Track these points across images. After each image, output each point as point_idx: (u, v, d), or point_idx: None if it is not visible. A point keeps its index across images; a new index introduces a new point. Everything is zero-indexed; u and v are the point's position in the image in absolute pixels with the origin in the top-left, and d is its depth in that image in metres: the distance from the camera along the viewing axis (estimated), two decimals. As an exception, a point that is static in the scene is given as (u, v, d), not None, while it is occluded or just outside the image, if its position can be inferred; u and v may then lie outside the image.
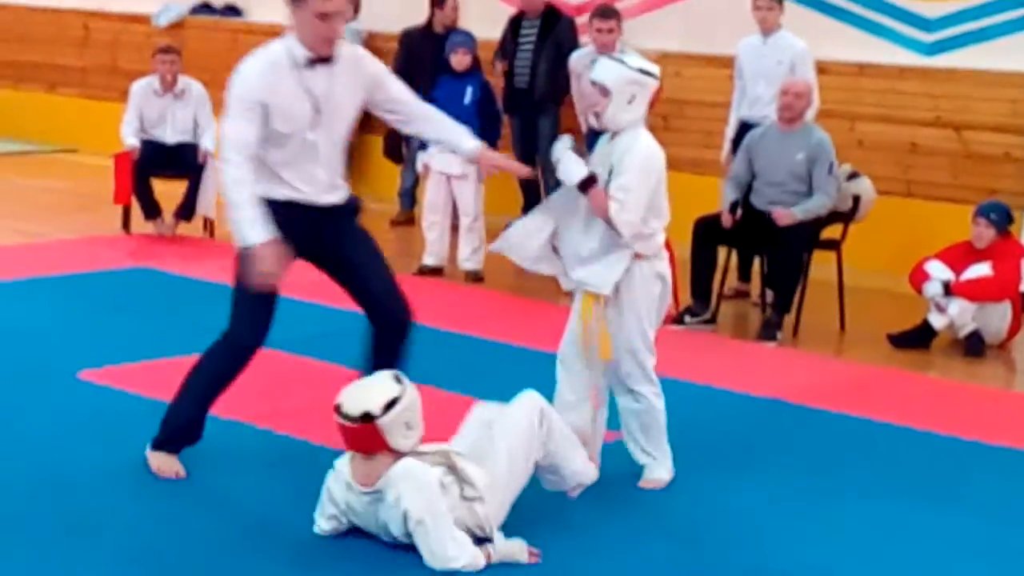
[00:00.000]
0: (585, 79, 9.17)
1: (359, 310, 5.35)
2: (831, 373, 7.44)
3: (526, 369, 7.09)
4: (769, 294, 8.34)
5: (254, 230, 4.86)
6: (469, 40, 9.42)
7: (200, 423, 5.29)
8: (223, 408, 5.98)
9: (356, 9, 12.09)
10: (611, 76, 5.21)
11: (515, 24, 10.87)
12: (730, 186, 8.34)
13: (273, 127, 4.99)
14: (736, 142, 8.85)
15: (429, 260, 9.22)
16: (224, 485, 5.17)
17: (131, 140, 10.03)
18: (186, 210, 10.09)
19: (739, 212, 8.25)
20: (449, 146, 5.57)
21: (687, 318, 8.23)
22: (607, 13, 9.25)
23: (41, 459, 5.32)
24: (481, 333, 7.75)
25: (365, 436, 4.50)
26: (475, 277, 9.17)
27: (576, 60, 9.41)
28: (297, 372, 6.72)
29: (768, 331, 8.03)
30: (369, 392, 4.57)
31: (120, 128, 10.12)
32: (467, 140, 5.41)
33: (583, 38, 10.49)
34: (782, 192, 8.12)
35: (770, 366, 7.52)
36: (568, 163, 5.21)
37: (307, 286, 8.40)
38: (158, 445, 5.24)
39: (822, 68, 9.31)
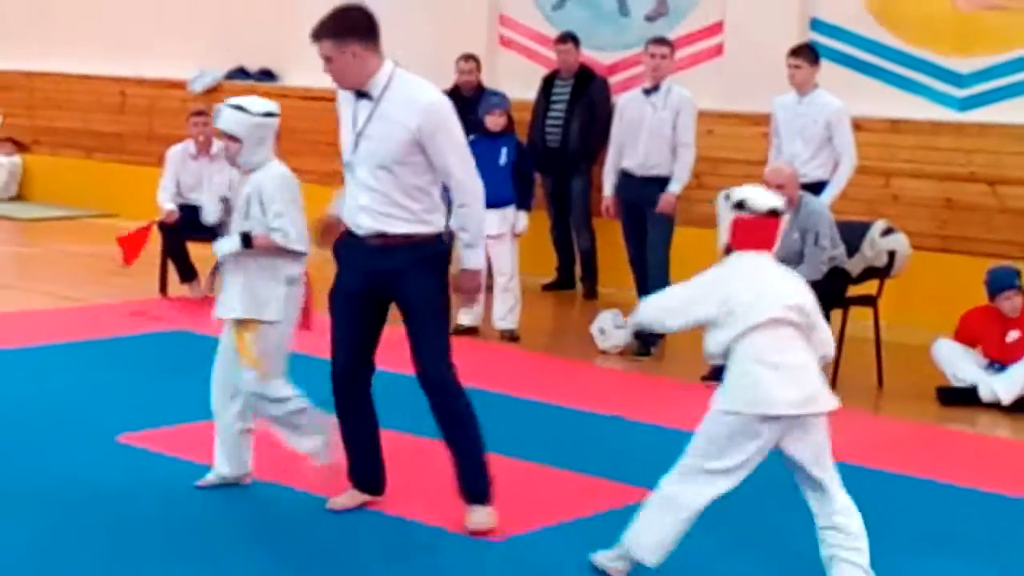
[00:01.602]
0: (628, 118, 9.24)
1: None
2: (870, 429, 7.39)
3: (561, 427, 7.11)
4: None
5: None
6: (504, 101, 9.47)
7: (361, 464, 5.58)
8: (278, 474, 6.00)
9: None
10: None
11: (547, 84, 10.95)
12: None
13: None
14: None
15: (464, 320, 9.23)
16: (273, 549, 5.17)
17: (168, 205, 10.11)
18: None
19: None
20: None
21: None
22: (660, 40, 9.30)
23: (81, 521, 5.33)
24: (516, 392, 7.74)
25: (767, 229, 4.88)
26: (510, 336, 9.18)
27: (625, 99, 9.46)
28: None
29: (805, 388, 7.98)
30: (767, 194, 5.01)
31: (158, 193, 10.21)
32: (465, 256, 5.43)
33: (616, 97, 10.56)
34: (792, 269, 8.06)
35: (808, 423, 7.46)
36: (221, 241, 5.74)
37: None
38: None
39: (856, 124, 9.30)
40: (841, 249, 8.19)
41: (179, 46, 14.10)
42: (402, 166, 5.27)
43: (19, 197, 15.21)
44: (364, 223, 5.33)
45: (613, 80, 11.15)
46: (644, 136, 9.13)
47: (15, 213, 14.29)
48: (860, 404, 7.96)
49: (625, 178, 9.22)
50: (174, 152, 10.30)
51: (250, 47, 13.78)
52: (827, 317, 8.00)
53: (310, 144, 13.21)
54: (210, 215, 6.21)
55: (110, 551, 5.04)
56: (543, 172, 10.61)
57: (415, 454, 6.16)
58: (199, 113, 10.36)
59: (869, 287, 8.51)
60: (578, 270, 11.14)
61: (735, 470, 4.69)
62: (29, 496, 5.58)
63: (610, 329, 8.93)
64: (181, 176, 10.21)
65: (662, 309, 4.92)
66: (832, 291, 8.18)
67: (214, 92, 13.81)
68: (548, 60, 11.32)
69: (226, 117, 5.70)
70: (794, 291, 4.87)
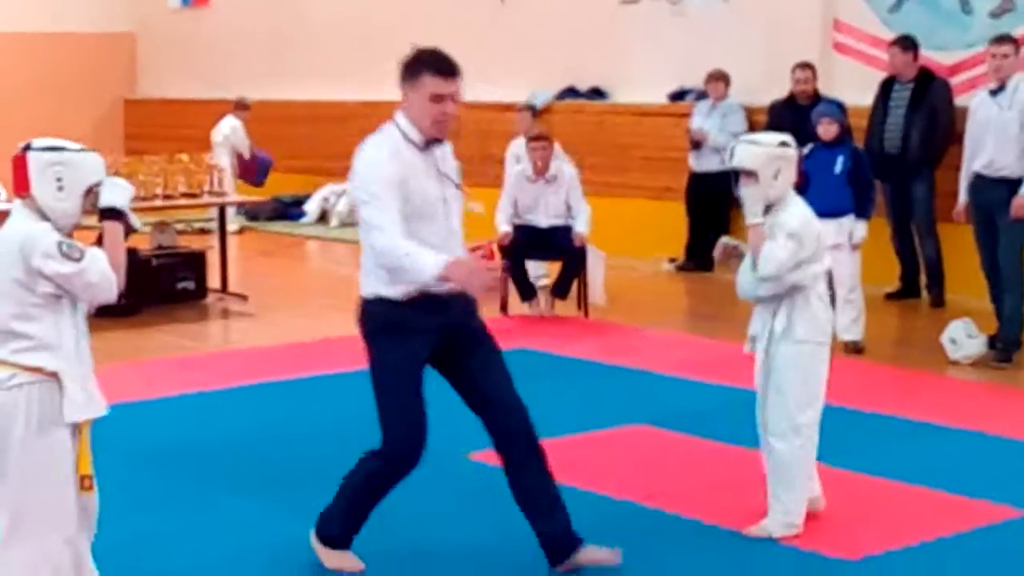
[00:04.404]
0: (977, 119, 8.90)
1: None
2: None
3: (913, 442, 6.88)
4: None
5: (431, 258, 4.70)
6: (834, 109, 9.25)
7: (351, 536, 5.12)
8: (610, 487, 6.02)
9: (728, 82, 12.09)
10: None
11: (886, 88, 10.65)
12: None
13: (414, 210, 4.82)
14: None
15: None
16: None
17: (504, 227, 10.31)
18: (561, 288, 10.31)
19: None
20: None
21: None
22: (1003, 38, 8.93)
23: (431, 537, 5.49)
24: (863, 406, 7.53)
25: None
26: (855, 348, 8.94)
27: (976, 100, 9.12)
28: (683, 450, 6.69)
29: None
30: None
31: (495, 214, 10.44)
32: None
33: (959, 98, 10.20)
34: None
35: None
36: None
37: (691, 364, 8.43)
38: (328, 541, 5.12)
39: None
40: None
41: (512, 69, 14.39)
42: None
43: (362, 222, 15.82)
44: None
45: (956, 80, 10.73)
46: (991, 137, 8.77)
47: (356, 236, 14.83)
48: None
49: (977, 180, 8.87)
50: (512, 174, 10.50)
51: (580, 66, 13.93)
52: None
53: (640, 160, 13.27)
54: None
55: (457, 565, 5.16)
56: (882, 179, 10.28)
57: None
58: (537, 138, 10.52)
59: None
60: (923, 278, 10.77)
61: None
62: (381, 509, 5.75)
63: (962, 339, 8.59)
64: (519, 197, 10.39)
65: (779, 262, 5.31)
66: None
67: (546, 112, 14.04)
68: (885, 64, 10.98)
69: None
70: None
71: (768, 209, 5.43)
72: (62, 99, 18.11)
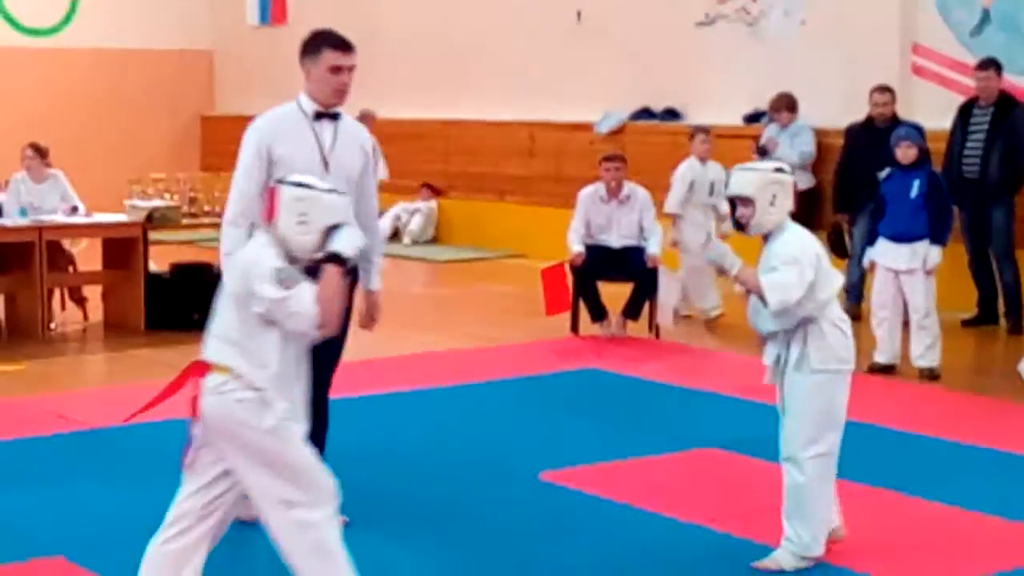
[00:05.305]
0: None
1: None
2: None
3: (989, 471, 6.76)
4: None
5: None
6: (914, 132, 9.15)
7: None
8: (677, 510, 5.98)
9: (793, 108, 11.99)
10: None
11: (964, 113, 10.53)
12: None
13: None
14: None
15: (880, 358, 8.95)
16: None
17: (576, 247, 10.28)
18: (632, 310, 10.26)
19: None
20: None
21: None
22: None
23: (505, 559, 5.45)
24: (939, 433, 7.42)
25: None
26: (930, 375, 8.83)
27: None
28: (752, 474, 6.63)
29: None
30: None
31: (567, 235, 10.42)
32: (372, 278, 5.78)
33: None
34: None
35: None
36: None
37: (762, 386, 8.33)
38: None
39: None
40: None
41: (587, 89, 14.39)
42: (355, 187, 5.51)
43: (435, 240, 15.92)
44: None
45: (1038, 106, 10.60)
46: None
47: (432, 256, 14.96)
48: None
49: None
50: (585, 195, 10.47)
51: (656, 87, 13.90)
52: None
53: (715, 182, 13.18)
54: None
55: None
56: (959, 205, 10.17)
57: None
58: (611, 158, 10.50)
59: None
60: (1001, 305, 10.62)
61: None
62: (453, 531, 5.76)
63: (1040, 367, 8.45)
64: (592, 218, 10.37)
65: (787, 287, 5.10)
66: None
67: (619, 133, 14.02)
68: (964, 88, 10.89)
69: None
70: None
71: (767, 238, 5.27)
72: (140, 115, 18.32)
